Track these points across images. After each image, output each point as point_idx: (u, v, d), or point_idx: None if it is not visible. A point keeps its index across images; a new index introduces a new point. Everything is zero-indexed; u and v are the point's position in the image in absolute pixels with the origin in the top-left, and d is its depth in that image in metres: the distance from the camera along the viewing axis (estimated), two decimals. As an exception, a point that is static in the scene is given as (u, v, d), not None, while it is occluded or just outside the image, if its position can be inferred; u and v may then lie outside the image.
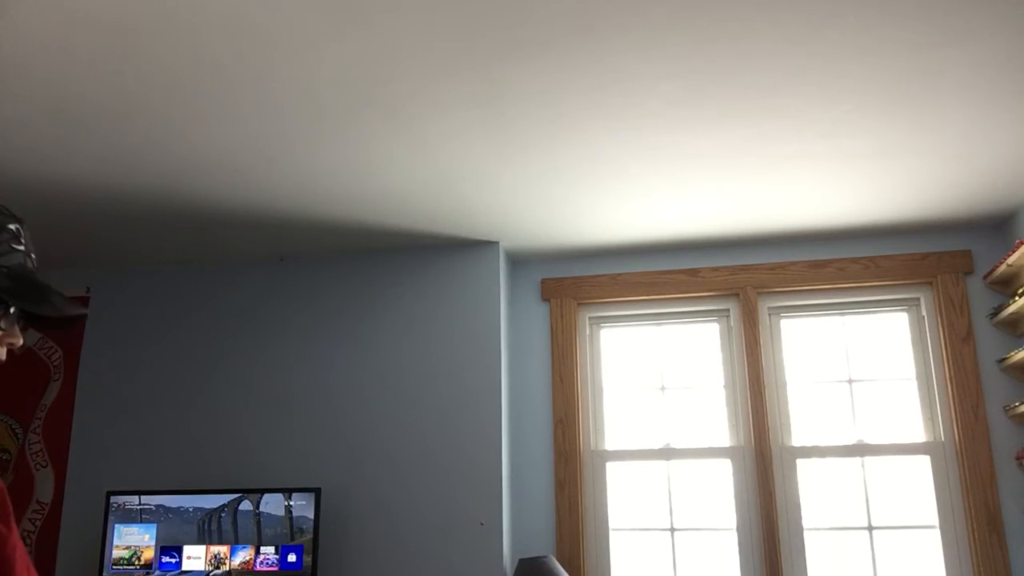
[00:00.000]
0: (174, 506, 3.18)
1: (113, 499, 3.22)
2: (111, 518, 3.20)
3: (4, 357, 1.21)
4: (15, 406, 3.65)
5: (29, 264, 1.21)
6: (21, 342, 1.22)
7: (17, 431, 3.63)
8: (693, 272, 3.49)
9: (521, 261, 3.67)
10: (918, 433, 3.27)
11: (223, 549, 3.11)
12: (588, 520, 3.38)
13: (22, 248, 1.20)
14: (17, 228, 1.21)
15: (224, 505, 3.15)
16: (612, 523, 3.38)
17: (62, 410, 3.61)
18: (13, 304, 1.17)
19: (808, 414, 3.36)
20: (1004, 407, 3.16)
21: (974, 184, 2.93)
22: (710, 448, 3.39)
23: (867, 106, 2.37)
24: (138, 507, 3.20)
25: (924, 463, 3.22)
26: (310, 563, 3.03)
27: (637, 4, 1.88)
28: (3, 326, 1.18)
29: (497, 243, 3.46)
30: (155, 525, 3.17)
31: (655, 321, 3.59)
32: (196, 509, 3.16)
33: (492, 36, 2.00)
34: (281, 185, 2.88)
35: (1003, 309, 3.10)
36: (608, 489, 3.41)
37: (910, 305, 3.41)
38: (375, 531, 3.25)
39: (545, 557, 3.07)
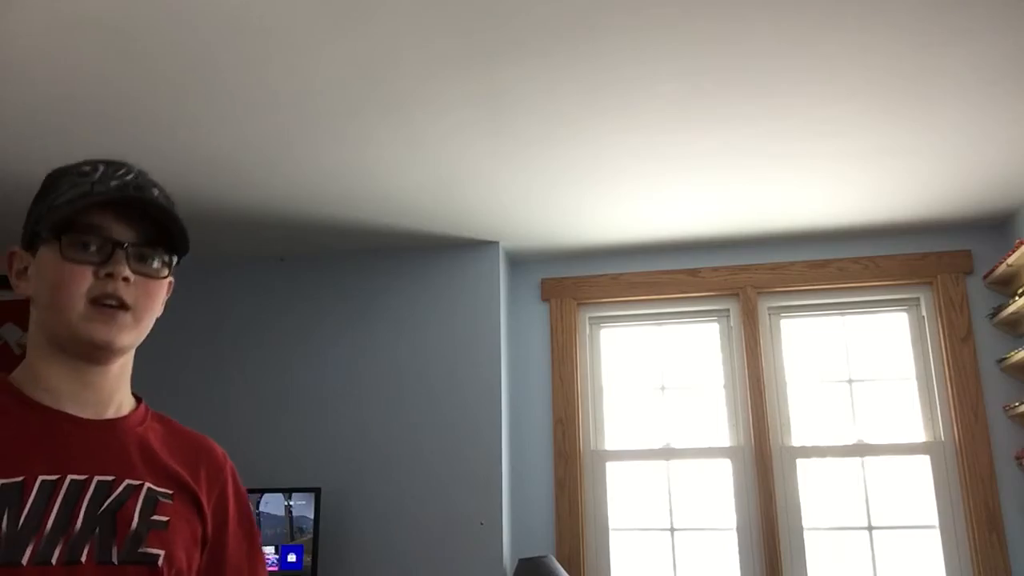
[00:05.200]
0: (174, 506, 3.17)
1: (113, 499, 3.21)
2: (111, 518, 3.19)
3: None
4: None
5: None
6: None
7: (17, 431, 3.62)
8: (693, 272, 3.49)
9: (521, 261, 3.66)
10: (918, 433, 3.27)
11: (223, 549, 3.11)
12: (588, 520, 3.38)
13: None
14: None
15: (224, 505, 3.15)
16: (612, 523, 3.38)
17: (62, 410, 3.60)
18: None
19: (808, 414, 3.36)
20: (1004, 407, 3.15)
21: (974, 184, 2.93)
22: (710, 448, 3.39)
23: (867, 106, 2.37)
24: (138, 507, 3.19)
25: (924, 463, 3.22)
26: (310, 563, 3.03)
27: (637, 4, 1.88)
28: None
29: (497, 243, 3.46)
30: (155, 525, 3.16)
31: (655, 321, 3.59)
32: (196, 509, 3.16)
33: (492, 35, 2.00)
34: (281, 185, 2.87)
35: (1003, 309, 3.10)
36: (608, 489, 3.41)
37: (910, 305, 3.41)
38: (375, 531, 3.25)
39: (545, 557, 3.07)
